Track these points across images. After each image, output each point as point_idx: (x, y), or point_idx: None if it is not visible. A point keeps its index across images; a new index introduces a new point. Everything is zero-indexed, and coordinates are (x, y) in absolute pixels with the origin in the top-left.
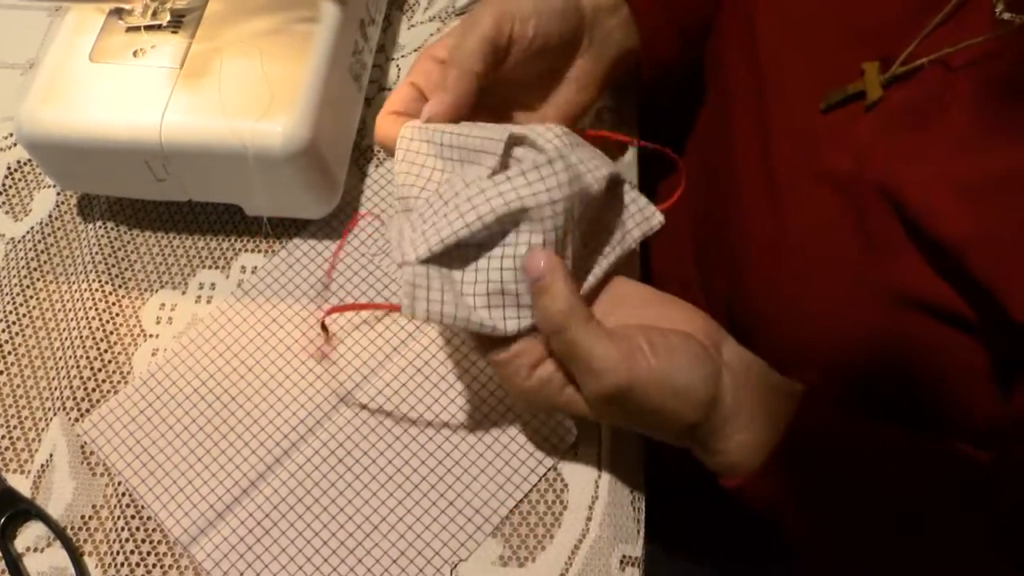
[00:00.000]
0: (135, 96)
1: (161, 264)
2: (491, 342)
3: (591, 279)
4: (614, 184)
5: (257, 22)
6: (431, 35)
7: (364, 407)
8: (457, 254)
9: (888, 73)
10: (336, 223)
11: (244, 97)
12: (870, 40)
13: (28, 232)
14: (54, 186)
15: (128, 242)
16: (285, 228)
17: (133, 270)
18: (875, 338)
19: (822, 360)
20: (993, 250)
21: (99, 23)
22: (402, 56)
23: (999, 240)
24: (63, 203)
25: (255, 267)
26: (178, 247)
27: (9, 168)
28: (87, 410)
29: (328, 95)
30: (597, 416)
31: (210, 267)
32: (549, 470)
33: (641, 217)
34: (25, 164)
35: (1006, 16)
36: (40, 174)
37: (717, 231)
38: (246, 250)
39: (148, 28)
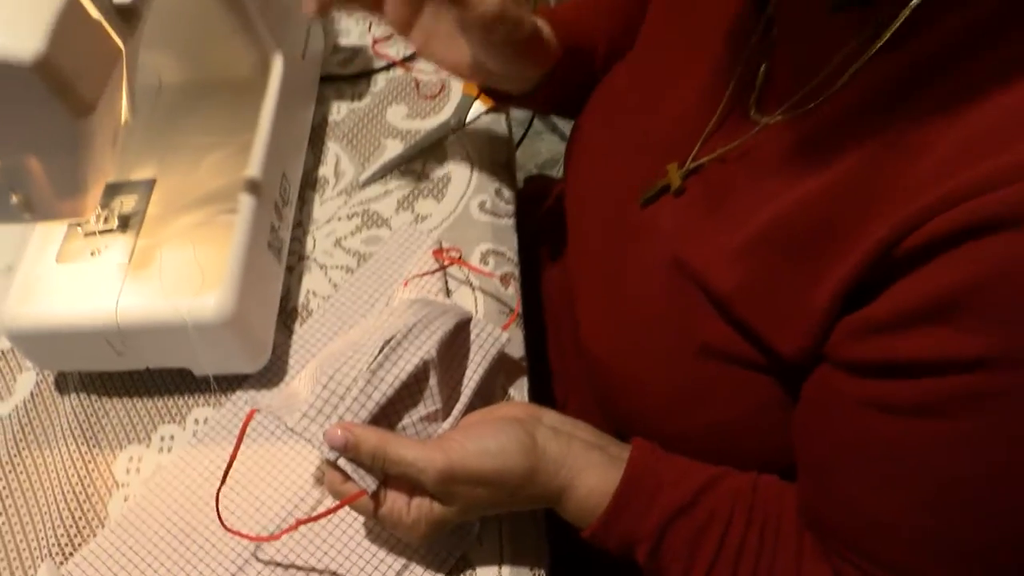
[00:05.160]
0: (94, 289)
1: (128, 423)
2: (369, 506)
3: (464, 398)
4: (463, 324)
5: (189, 217)
6: (340, 208)
7: (301, 533)
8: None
9: (683, 169)
10: (271, 374)
11: (182, 280)
12: (671, 149)
13: (13, 410)
14: (33, 368)
15: (99, 408)
16: (228, 383)
17: (104, 431)
18: (690, 385)
19: (653, 408)
20: (752, 299)
21: (63, 231)
22: (317, 228)
23: (755, 291)
24: (41, 382)
25: (206, 418)
26: (140, 408)
27: None
28: (70, 553)
29: (250, 270)
30: (460, 512)
31: (168, 422)
32: (458, 561)
33: (491, 341)
34: (8, 353)
35: (756, 116)
36: (21, 359)
37: (571, 307)
38: (197, 404)
39: (101, 232)
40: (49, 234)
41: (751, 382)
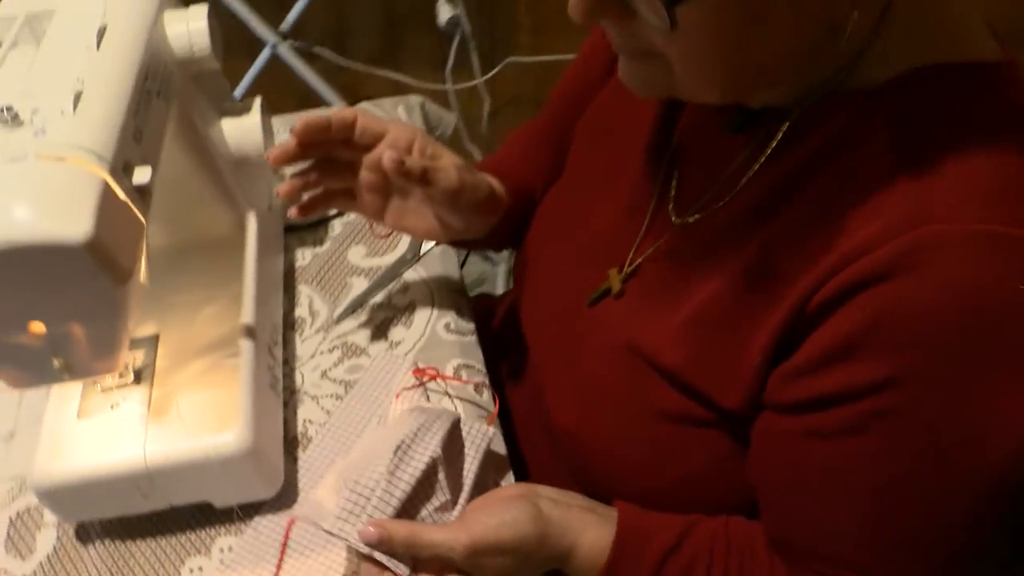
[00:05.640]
0: (119, 438)
1: (155, 561)
2: None
3: (466, 488)
4: (456, 425)
5: (195, 365)
6: (320, 343)
7: None
8: None
9: (622, 273)
10: (284, 498)
11: (199, 421)
12: (607, 256)
13: (37, 567)
14: (54, 524)
15: (124, 551)
16: (247, 510)
17: (133, 572)
18: (652, 447)
19: (623, 471)
20: (697, 368)
21: (78, 389)
22: (303, 364)
23: (698, 361)
24: (63, 535)
25: (230, 546)
26: (165, 545)
27: (11, 519)
28: None
29: (258, 406)
30: None
31: (195, 554)
32: None
33: (480, 436)
34: (25, 512)
35: (673, 218)
36: (41, 517)
37: (538, 399)
38: (220, 534)
39: (118, 386)
40: (66, 394)
41: (705, 438)
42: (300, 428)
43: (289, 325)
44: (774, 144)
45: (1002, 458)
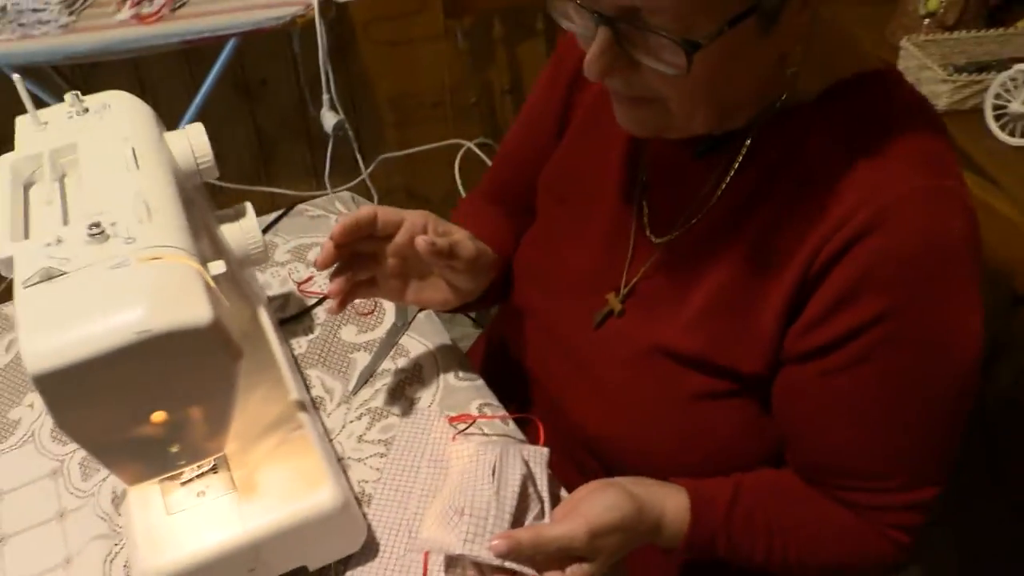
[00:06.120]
0: (217, 522)
1: None
2: None
3: (546, 498)
4: (517, 447)
5: (264, 444)
6: (346, 415)
7: None
8: None
9: (620, 295)
10: (367, 551)
11: (289, 488)
12: (601, 284)
13: None
14: None
15: None
16: (338, 569)
17: None
18: (689, 427)
19: (660, 457)
20: (719, 349)
21: (156, 490)
22: (336, 435)
23: (718, 343)
24: None
25: None
26: None
27: None
28: None
29: (333, 465)
30: (604, 562)
31: None
32: None
33: (539, 455)
34: None
35: (654, 239)
36: None
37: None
38: None
39: (199, 477)
40: (144, 498)
41: (732, 407)
42: (357, 488)
43: (312, 404)
44: (740, 159)
45: (967, 359)
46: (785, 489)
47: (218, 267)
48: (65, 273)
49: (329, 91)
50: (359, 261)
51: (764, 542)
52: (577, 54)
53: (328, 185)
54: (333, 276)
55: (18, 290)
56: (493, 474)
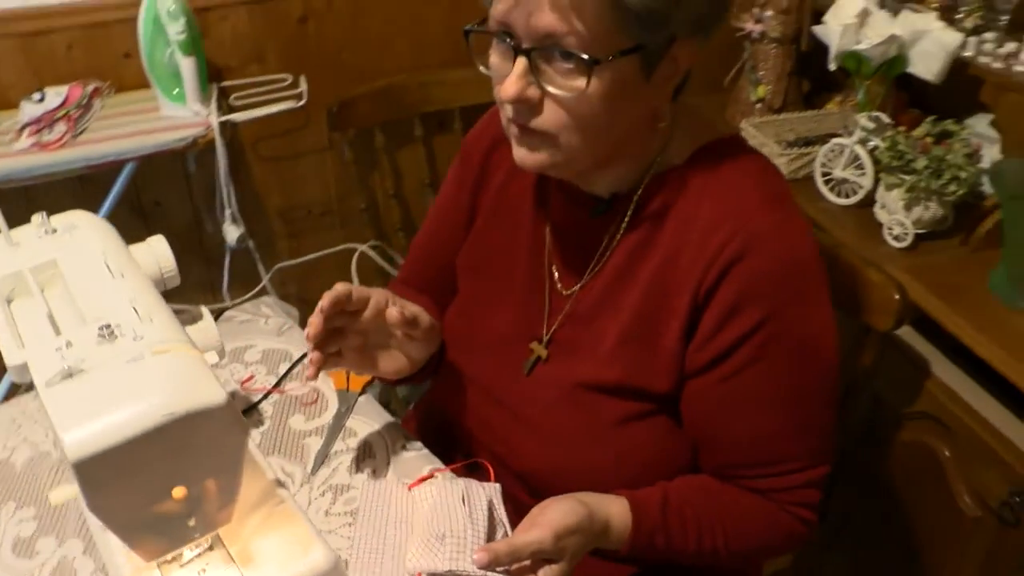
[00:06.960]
0: None
1: None
2: None
3: (504, 522)
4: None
5: (252, 519)
6: (309, 493)
7: None
8: None
9: (542, 344)
10: None
11: (285, 553)
12: (525, 336)
13: None
14: None
15: None
16: None
17: None
18: (615, 448)
19: (590, 480)
20: (635, 375)
21: (156, 575)
22: (305, 511)
23: (633, 370)
24: None
25: None
26: None
27: None
28: None
29: (316, 529)
30: (570, 562)
31: None
32: None
33: (491, 488)
34: None
35: (565, 292)
36: None
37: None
38: None
39: (198, 556)
40: None
41: (654, 424)
42: None
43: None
44: (628, 216)
45: (831, 354)
46: (705, 488)
47: (212, 358)
48: (83, 371)
49: (231, 206)
50: (330, 335)
51: (695, 534)
52: (480, 151)
53: (228, 297)
54: (314, 351)
55: (42, 390)
56: (463, 501)
